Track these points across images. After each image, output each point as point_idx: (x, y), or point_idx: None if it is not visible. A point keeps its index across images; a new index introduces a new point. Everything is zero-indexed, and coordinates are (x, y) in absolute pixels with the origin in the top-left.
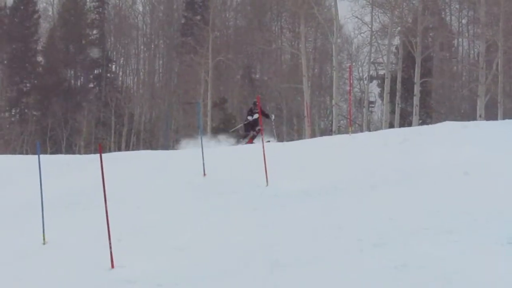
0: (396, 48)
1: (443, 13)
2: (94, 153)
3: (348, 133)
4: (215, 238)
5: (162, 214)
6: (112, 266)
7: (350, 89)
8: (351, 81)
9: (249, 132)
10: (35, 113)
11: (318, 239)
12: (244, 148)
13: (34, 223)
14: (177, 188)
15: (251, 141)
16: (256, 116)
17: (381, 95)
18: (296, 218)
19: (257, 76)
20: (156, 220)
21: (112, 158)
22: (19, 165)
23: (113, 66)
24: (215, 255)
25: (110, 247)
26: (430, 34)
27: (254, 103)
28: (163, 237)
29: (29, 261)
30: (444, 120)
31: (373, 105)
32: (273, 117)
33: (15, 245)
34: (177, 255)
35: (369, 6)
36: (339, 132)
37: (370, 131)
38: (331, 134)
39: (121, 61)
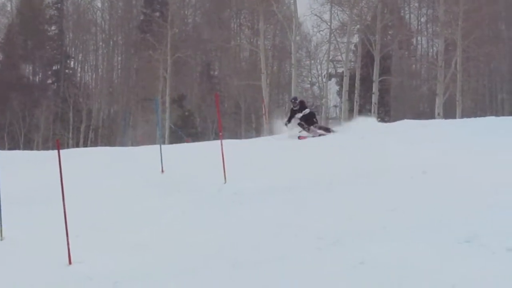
0: (355, 46)
1: (402, 11)
2: (52, 149)
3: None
4: (174, 236)
5: (120, 211)
6: (70, 262)
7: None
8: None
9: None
10: None
11: (277, 237)
12: (202, 145)
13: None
14: (135, 184)
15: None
16: (306, 111)
17: (339, 93)
18: (255, 216)
19: (216, 73)
20: (114, 217)
21: (70, 154)
22: None
23: (72, 62)
24: (173, 253)
25: (68, 243)
26: (389, 32)
27: (293, 101)
28: (121, 234)
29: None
30: (403, 118)
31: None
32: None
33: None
34: (135, 253)
35: (328, 3)
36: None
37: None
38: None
39: (80, 57)
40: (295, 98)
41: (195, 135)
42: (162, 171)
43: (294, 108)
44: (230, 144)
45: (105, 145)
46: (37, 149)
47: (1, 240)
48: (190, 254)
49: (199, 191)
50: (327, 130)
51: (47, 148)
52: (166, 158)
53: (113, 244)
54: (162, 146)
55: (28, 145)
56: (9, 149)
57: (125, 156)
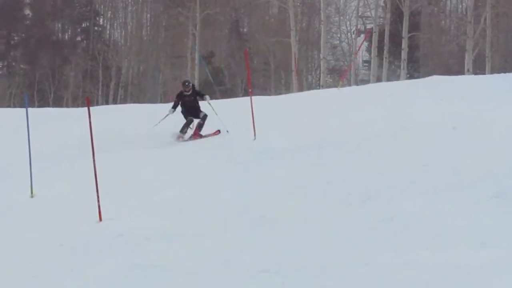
0: (384, 2)
1: None
2: (82, 106)
3: (337, 87)
4: (203, 194)
5: (149, 168)
6: (100, 219)
7: (358, 50)
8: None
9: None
10: (22, 66)
11: (306, 194)
12: (232, 102)
13: (22, 177)
14: (164, 142)
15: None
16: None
17: (368, 50)
18: (284, 173)
19: (245, 30)
20: (143, 174)
21: (100, 111)
22: (6, 119)
23: (101, 20)
24: (203, 210)
25: (98, 200)
26: None
27: (186, 82)
28: (151, 192)
29: (17, 214)
30: (432, 74)
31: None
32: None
33: (2, 198)
34: (165, 210)
35: None
36: (327, 86)
37: (357, 85)
38: (319, 88)
39: (109, 15)
40: (188, 81)
41: (225, 92)
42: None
43: (186, 93)
44: (259, 100)
45: (134, 102)
46: (67, 106)
47: (32, 197)
48: (219, 210)
49: (228, 148)
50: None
51: (76, 106)
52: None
53: (143, 201)
54: None
55: (58, 103)
56: (39, 106)
57: (154, 113)
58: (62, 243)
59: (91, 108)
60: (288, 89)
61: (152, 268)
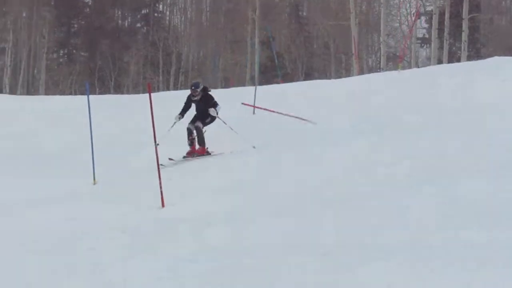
0: None
1: None
2: (143, 93)
3: (397, 70)
4: (265, 177)
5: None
6: (163, 205)
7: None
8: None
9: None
10: (83, 54)
11: (369, 176)
12: (288, 86)
13: (84, 163)
14: (226, 125)
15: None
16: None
17: (429, 31)
18: (347, 155)
19: (304, 13)
20: (205, 158)
21: (161, 98)
22: (68, 106)
23: (160, 6)
24: (264, 195)
25: (161, 187)
26: None
27: (193, 86)
28: (213, 177)
29: (80, 200)
30: (493, 55)
31: (420, 42)
32: (217, 110)
33: (65, 185)
34: (227, 195)
35: None
36: (387, 69)
37: (418, 67)
38: (379, 71)
39: (168, 1)
40: (196, 85)
41: (285, 76)
42: (254, 112)
43: (194, 98)
44: (319, 84)
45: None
46: (127, 93)
47: (94, 184)
48: (282, 194)
49: (290, 130)
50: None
51: (137, 92)
52: (259, 99)
53: (205, 186)
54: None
55: (119, 89)
56: (100, 93)
57: (216, 98)
58: (125, 229)
59: (152, 94)
60: (348, 73)
61: (215, 253)
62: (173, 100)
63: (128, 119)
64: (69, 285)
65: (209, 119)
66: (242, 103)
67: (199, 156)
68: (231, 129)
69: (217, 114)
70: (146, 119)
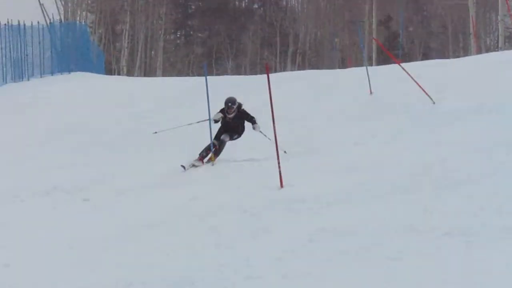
0: None
1: None
2: (260, 73)
3: None
4: (385, 157)
5: (329, 132)
6: (282, 186)
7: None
8: None
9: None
10: (200, 35)
11: (491, 156)
12: (409, 65)
13: (202, 143)
14: (344, 107)
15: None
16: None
17: None
18: (466, 135)
19: None
20: (323, 140)
21: (278, 79)
22: (186, 87)
23: None
24: (384, 174)
25: (279, 167)
26: None
27: (229, 103)
28: (330, 157)
29: (200, 180)
30: None
31: None
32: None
33: (183, 162)
34: (345, 175)
35: None
36: (505, 48)
37: None
38: (497, 51)
39: None
40: (232, 101)
41: (402, 57)
42: (371, 92)
43: (229, 115)
44: (435, 64)
45: (312, 68)
46: (245, 74)
47: (213, 165)
48: (399, 173)
49: (408, 111)
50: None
51: (254, 73)
52: (374, 80)
53: (323, 166)
54: (370, 68)
55: (236, 70)
56: (217, 74)
57: (333, 79)
58: (245, 209)
59: (269, 75)
60: (466, 52)
61: (335, 232)
62: (290, 80)
63: (246, 99)
64: (191, 263)
65: (236, 136)
66: None
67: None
68: (269, 139)
69: (260, 130)
70: (262, 100)
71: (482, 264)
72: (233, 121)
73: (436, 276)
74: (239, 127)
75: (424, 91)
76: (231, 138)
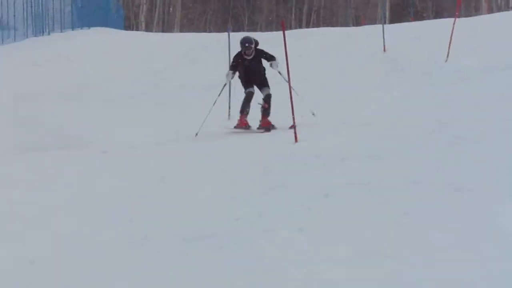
0: None
1: None
2: (276, 30)
3: None
4: (399, 114)
5: (343, 89)
6: (296, 140)
7: None
8: None
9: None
10: None
11: (504, 114)
12: (423, 24)
13: (220, 101)
14: (357, 63)
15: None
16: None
17: None
18: (476, 93)
19: None
20: (336, 96)
21: (293, 35)
22: (203, 43)
23: None
24: (397, 130)
25: (294, 122)
26: None
27: (246, 43)
28: (343, 113)
29: (219, 137)
30: None
31: None
32: (277, 65)
33: (200, 120)
34: (358, 131)
35: None
36: None
37: None
38: (508, 11)
39: None
40: (249, 41)
41: (414, 14)
42: (384, 50)
43: (248, 57)
44: (448, 23)
45: (327, 26)
46: (261, 31)
47: (229, 119)
48: (412, 130)
49: (421, 69)
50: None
51: (270, 30)
52: (389, 37)
53: (337, 122)
54: (385, 26)
55: (252, 27)
56: (234, 31)
57: (347, 37)
58: (260, 163)
59: (285, 32)
60: (478, 11)
61: (350, 187)
62: (304, 37)
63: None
64: (207, 217)
65: (266, 90)
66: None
67: (262, 129)
68: (293, 89)
69: (278, 68)
70: (280, 56)
71: (491, 220)
72: (253, 64)
73: (445, 230)
74: (261, 69)
75: (449, 47)
76: (262, 94)
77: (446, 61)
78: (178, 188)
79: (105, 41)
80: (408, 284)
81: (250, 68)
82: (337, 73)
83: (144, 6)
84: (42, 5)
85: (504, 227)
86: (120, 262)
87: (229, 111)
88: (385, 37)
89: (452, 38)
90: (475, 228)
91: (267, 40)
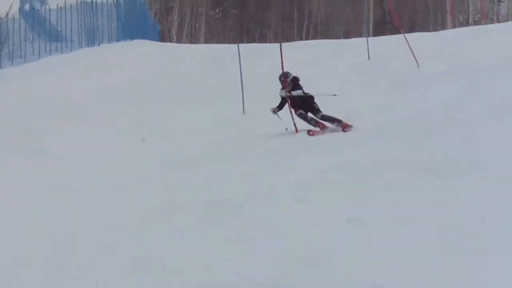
0: None
1: None
2: (282, 42)
3: (482, 24)
4: (382, 107)
5: (334, 90)
6: (296, 131)
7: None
8: None
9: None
10: (234, 11)
11: (469, 109)
12: (398, 37)
13: (236, 98)
14: (346, 69)
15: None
16: (298, 92)
17: None
18: (446, 92)
19: None
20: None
21: (295, 46)
22: (222, 52)
23: None
24: (383, 120)
25: (292, 117)
26: None
27: (282, 78)
28: (337, 107)
29: (233, 125)
30: None
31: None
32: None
33: (222, 114)
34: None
35: None
36: (475, 24)
37: (500, 22)
38: (467, 26)
39: None
40: (286, 75)
41: (393, 30)
42: (369, 58)
43: (287, 89)
44: (421, 36)
45: (322, 38)
46: (270, 42)
47: (244, 113)
48: (394, 119)
49: (398, 73)
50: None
51: (276, 42)
52: (371, 48)
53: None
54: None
55: (262, 39)
56: (247, 42)
57: (338, 47)
58: (269, 148)
59: (288, 43)
60: (443, 27)
61: (342, 168)
62: (304, 47)
63: (269, 63)
64: (224, 189)
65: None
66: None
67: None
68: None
69: (285, 94)
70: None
71: (450, 195)
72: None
73: (412, 202)
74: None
75: (413, 54)
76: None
77: (418, 67)
78: (201, 165)
79: (144, 51)
80: (379, 241)
81: (295, 100)
82: (330, 76)
83: (175, 22)
84: (93, 21)
85: (458, 200)
86: (156, 221)
87: (243, 106)
88: (369, 48)
89: (421, 48)
90: (433, 203)
91: (275, 50)
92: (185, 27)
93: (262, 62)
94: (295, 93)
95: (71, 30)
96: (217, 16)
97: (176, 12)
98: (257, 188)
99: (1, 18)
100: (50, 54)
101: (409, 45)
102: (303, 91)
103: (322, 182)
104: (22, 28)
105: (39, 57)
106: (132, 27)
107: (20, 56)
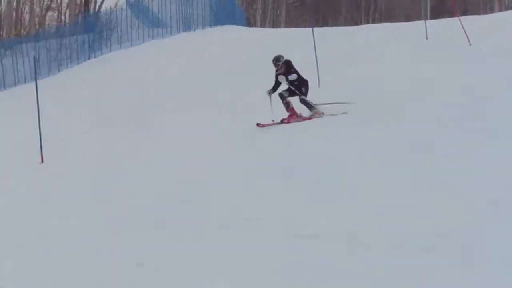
0: None
1: None
2: (351, 25)
3: None
4: (438, 81)
5: (397, 64)
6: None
7: None
8: None
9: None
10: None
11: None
12: (453, 20)
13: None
14: (406, 47)
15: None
16: (293, 76)
17: None
18: (492, 68)
19: None
20: (391, 69)
21: (363, 28)
22: (301, 36)
23: None
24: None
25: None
26: None
27: (274, 62)
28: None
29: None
30: None
31: None
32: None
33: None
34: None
35: None
36: None
37: None
38: None
39: None
40: (278, 58)
41: (449, 13)
42: (427, 37)
43: (278, 72)
44: (473, 18)
45: (386, 21)
46: (341, 25)
47: (319, 87)
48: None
49: (452, 49)
50: (310, 107)
51: (347, 25)
52: (429, 29)
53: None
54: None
55: (335, 23)
56: (321, 26)
57: (400, 28)
58: (262, 137)
59: (358, 27)
60: (491, 10)
61: (319, 155)
62: (370, 30)
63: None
64: (212, 163)
65: (304, 88)
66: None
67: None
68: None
69: (285, 81)
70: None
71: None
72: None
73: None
74: (298, 82)
75: (466, 34)
76: (302, 93)
77: (470, 45)
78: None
79: (233, 34)
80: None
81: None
82: (395, 53)
83: (259, 10)
84: (189, 10)
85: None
86: (174, 213)
87: (318, 80)
88: (427, 29)
89: (473, 29)
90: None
91: (345, 32)
92: (268, 14)
93: (332, 44)
94: (290, 77)
95: (170, 17)
96: (295, 4)
97: (260, 1)
98: (236, 166)
99: (110, 8)
100: (153, 38)
101: (462, 26)
102: (298, 74)
103: (301, 168)
104: (129, 16)
105: (143, 41)
106: (222, 15)
107: (127, 41)
